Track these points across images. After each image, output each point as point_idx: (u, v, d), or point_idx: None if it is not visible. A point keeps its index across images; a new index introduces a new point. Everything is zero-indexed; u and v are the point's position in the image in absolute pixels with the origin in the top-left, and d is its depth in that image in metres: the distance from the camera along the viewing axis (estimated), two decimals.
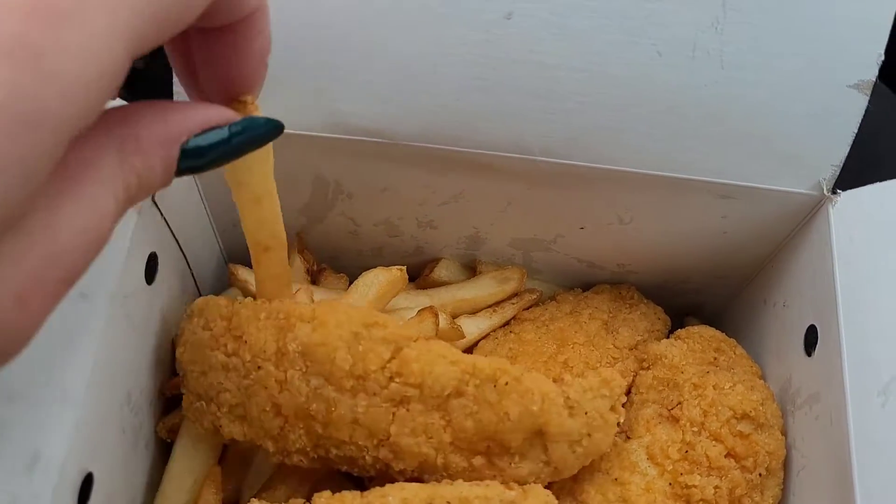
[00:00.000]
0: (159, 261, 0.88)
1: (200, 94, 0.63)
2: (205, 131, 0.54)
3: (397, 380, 0.80)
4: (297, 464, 0.84)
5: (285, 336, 0.82)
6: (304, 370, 0.81)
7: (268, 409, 0.81)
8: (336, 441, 0.81)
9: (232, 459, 0.97)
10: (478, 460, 0.81)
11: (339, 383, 0.80)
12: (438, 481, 0.82)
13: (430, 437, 0.80)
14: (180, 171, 0.53)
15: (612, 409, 0.84)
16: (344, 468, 0.84)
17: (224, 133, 0.55)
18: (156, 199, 0.85)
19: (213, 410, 0.84)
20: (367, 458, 0.81)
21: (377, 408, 0.80)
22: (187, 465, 0.92)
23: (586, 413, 0.82)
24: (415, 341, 0.83)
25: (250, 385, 0.81)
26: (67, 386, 0.72)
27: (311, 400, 0.80)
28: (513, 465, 0.82)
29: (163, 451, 0.96)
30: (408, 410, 0.80)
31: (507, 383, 0.81)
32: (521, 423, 0.80)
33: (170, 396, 0.97)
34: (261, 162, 0.70)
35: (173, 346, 0.97)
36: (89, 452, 0.75)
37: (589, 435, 0.82)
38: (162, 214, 0.88)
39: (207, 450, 0.92)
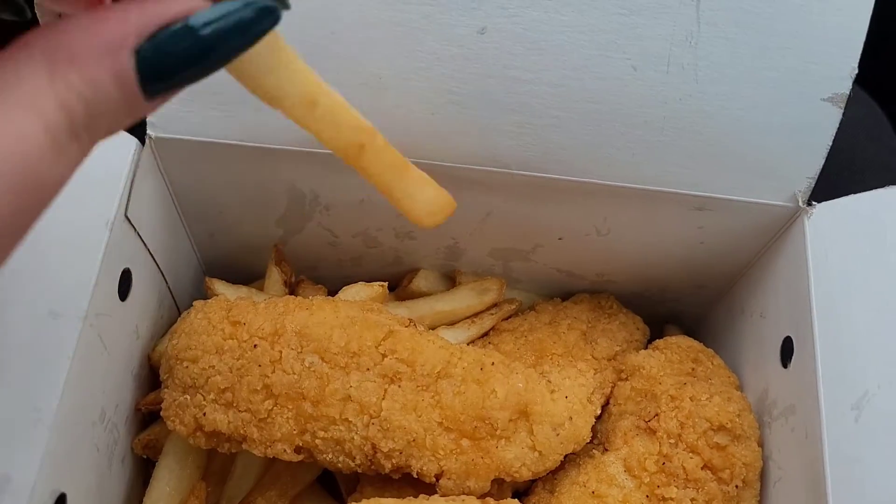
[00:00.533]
0: (133, 277, 0.88)
1: None
2: (163, 29, 0.40)
3: (390, 356, 0.85)
4: (279, 454, 0.85)
5: (283, 319, 0.86)
6: (299, 349, 0.85)
7: (258, 388, 0.83)
8: (325, 421, 0.83)
9: (211, 475, 0.96)
10: (465, 443, 0.84)
11: (334, 360, 0.84)
12: (424, 469, 0.84)
13: (420, 416, 0.83)
14: (150, 88, 0.41)
15: (589, 399, 0.89)
16: (328, 458, 0.84)
17: (188, 25, 0.41)
18: (128, 213, 0.84)
19: (197, 401, 0.85)
20: (355, 438, 0.83)
21: (370, 382, 0.84)
22: (172, 481, 0.91)
23: (567, 397, 0.87)
24: (406, 327, 0.88)
25: (244, 365, 0.84)
26: (38, 406, 0.72)
27: (303, 378, 0.83)
28: (499, 447, 0.85)
29: (139, 467, 0.96)
30: (399, 387, 0.84)
31: (493, 363, 0.87)
32: (507, 401, 0.84)
33: (146, 413, 0.96)
34: (276, 55, 0.55)
35: (149, 361, 0.96)
36: (62, 473, 0.74)
37: (570, 419, 0.86)
38: (135, 229, 0.87)
39: (192, 466, 0.93)
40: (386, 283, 0.98)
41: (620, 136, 0.85)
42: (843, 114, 0.84)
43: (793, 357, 0.89)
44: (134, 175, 0.85)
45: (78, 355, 0.76)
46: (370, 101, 0.84)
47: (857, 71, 0.81)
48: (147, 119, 0.87)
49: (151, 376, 0.97)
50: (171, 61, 0.41)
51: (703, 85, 0.82)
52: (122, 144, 0.85)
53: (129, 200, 0.84)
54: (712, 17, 0.80)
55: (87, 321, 0.77)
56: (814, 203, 0.90)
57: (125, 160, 0.85)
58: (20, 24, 0.41)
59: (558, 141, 0.85)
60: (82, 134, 0.39)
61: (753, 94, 0.83)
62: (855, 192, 0.88)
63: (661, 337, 1.08)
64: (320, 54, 0.82)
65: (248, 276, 1.12)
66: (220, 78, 0.84)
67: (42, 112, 0.37)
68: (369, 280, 1.02)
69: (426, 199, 0.71)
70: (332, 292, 1.03)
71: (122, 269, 0.85)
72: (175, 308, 1.05)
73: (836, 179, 0.91)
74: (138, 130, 0.87)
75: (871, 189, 0.86)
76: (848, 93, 0.82)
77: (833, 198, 0.89)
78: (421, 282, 1.10)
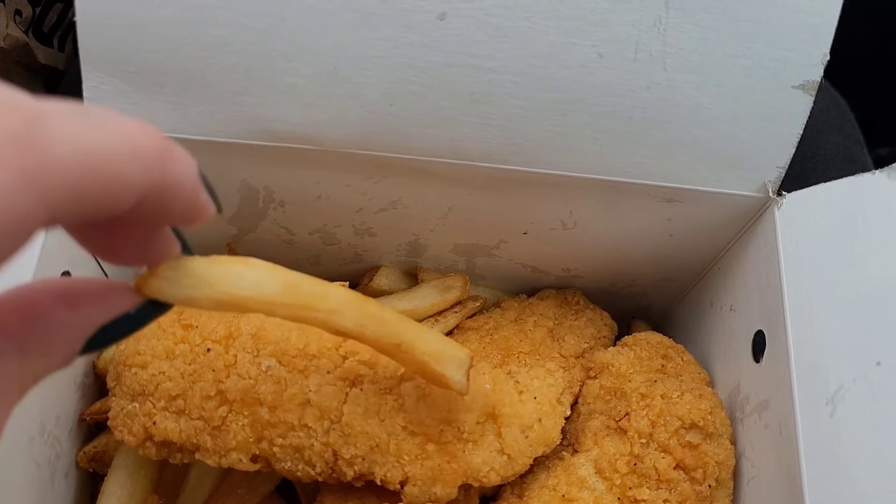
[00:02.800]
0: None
1: (118, 260, 0.52)
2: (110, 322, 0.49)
3: (351, 358, 0.81)
4: (235, 464, 0.80)
5: (238, 321, 0.82)
6: (255, 353, 0.81)
7: (212, 394, 0.79)
8: (283, 427, 0.79)
9: (163, 487, 0.91)
10: (431, 447, 0.80)
11: (292, 363, 0.80)
12: (388, 476, 0.80)
13: (383, 420, 0.80)
14: (79, 355, 0.49)
15: (558, 400, 0.86)
16: (287, 466, 0.80)
17: (126, 319, 0.49)
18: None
19: (147, 409, 0.81)
20: (315, 445, 0.79)
21: (330, 386, 0.80)
22: (122, 496, 0.87)
23: (535, 398, 0.84)
24: None
25: (196, 370, 0.80)
26: None
27: (259, 382, 0.79)
28: (466, 451, 0.81)
29: (85, 482, 0.91)
30: (361, 390, 0.80)
31: None
32: (473, 403, 0.81)
33: (91, 424, 0.91)
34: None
35: (95, 369, 0.91)
36: None
37: (539, 420, 0.83)
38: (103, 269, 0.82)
39: (143, 479, 0.88)
40: (346, 283, 0.94)
41: (587, 126, 0.82)
42: None
43: (765, 351, 0.87)
44: None
45: None
46: (324, 93, 0.80)
47: (828, 57, 0.79)
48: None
49: (97, 385, 0.92)
50: (108, 342, 0.49)
51: (672, 73, 0.79)
52: None
53: None
54: (681, 2, 0.77)
55: None
56: (784, 193, 0.88)
57: None
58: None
59: (523, 132, 0.82)
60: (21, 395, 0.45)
61: (723, 81, 0.80)
62: (819, 182, 0.86)
63: (628, 332, 1.05)
64: (269, 43, 0.77)
65: None
66: (165, 67, 0.80)
67: (7, 396, 0.43)
68: (329, 279, 0.96)
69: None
70: None
71: (61, 272, 0.80)
72: None
73: (799, 170, 0.89)
74: None
75: (834, 179, 0.84)
76: (819, 80, 0.80)
77: (797, 187, 0.87)
78: (382, 280, 1.06)
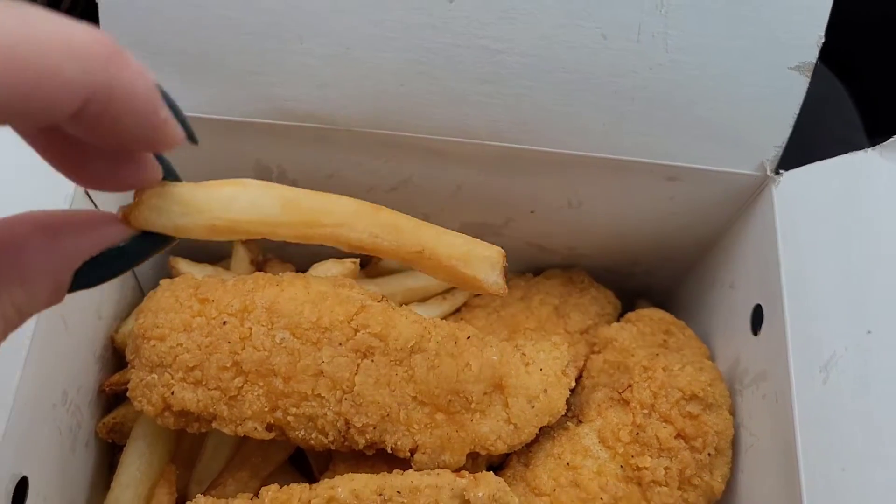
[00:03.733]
0: None
1: (85, 180, 0.50)
2: (101, 253, 0.47)
3: (363, 331, 0.83)
4: (250, 433, 0.83)
5: (252, 296, 0.84)
6: (269, 326, 0.83)
7: (228, 366, 0.82)
8: (297, 398, 0.81)
9: (180, 457, 0.94)
10: (440, 416, 0.83)
11: (305, 335, 0.82)
12: (398, 444, 0.83)
13: (393, 390, 0.82)
14: (74, 290, 0.48)
15: (563, 372, 0.88)
16: (300, 434, 0.83)
17: (118, 253, 0.48)
18: (89, 192, 0.81)
19: (165, 380, 0.83)
20: (328, 414, 0.82)
21: (342, 357, 0.82)
22: (141, 465, 0.89)
23: (541, 370, 0.86)
24: (378, 301, 0.86)
25: (212, 342, 0.82)
26: None
27: (274, 354, 0.81)
28: (474, 421, 0.84)
29: (104, 451, 0.93)
30: (372, 361, 0.83)
31: (468, 337, 0.85)
32: (481, 374, 0.83)
33: (110, 395, 0.94)
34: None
35: (113, 343, 0.94)
36: (22, 455, 0.72)
37: (545, 391, 0.85)
38: (96, 206, 0.84)
39: (161, 449, 0.91)
40: (357, 260, 0.97)
41: (591, 105, 0.85)
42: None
43: (763, 324, 0.90)
44: None
45: (38, 335, 0.73)
46: (338, 73, 0.83)
47: (823, 39, 0.82)
48: None
49: (115, 359, 0.95)
50: (101, 277, 0.48)
51: (674, 54, 0.82)
52: None
53: None
54: None
55: None
56: (781, 171, 0.90)
57: None
58: None
59: (529, 111, 0.85)
60: (7, 332, 0.45)
61: (722, 62, 0.83)
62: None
63: (632, 310, 1.08)
64: (283, 24, 0.80)
65: (213, 255, 1.09)
66: (182, 48, 0.82)
67: None
68: (338, 258, 1.00)
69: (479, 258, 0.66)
70: (301, 271, 1.01)
71: None
72: (139, 289, 1.02)
73: (798, 155, 0.92)
74: None
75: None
76: (815, 61, 0.82)
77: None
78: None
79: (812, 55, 0.83)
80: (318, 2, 0.78)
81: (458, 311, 1.06)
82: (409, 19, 0.79)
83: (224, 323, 0.85)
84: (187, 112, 0.85)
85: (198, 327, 0.85)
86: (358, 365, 0.84)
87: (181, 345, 0.84)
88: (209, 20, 0.80)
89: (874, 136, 1.53)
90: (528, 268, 1.14)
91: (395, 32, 0.80)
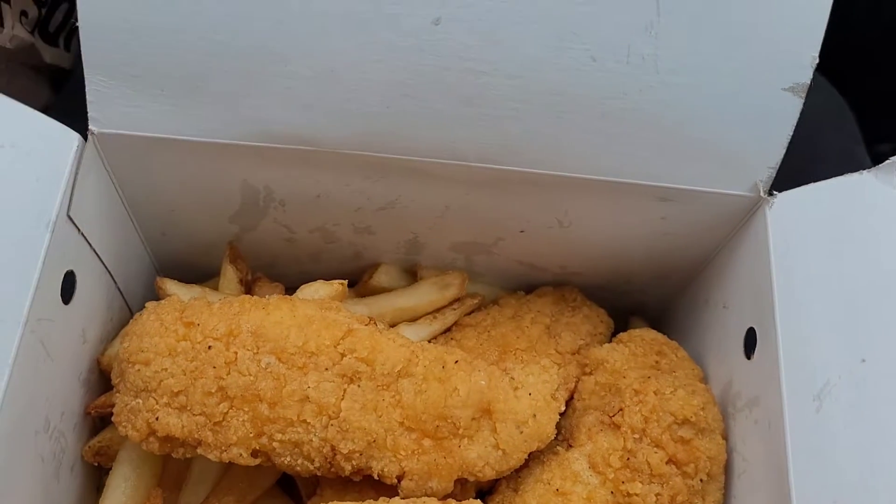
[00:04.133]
0: (77, 279, 0.84)
1: None
2: None
3: (349, 355, 0.82)
4: (235, 459, 0.82)
5: (238, 319, 0.84)
6: (255, 350, 0.82)
7: (213, 391, 0.81)
8: (282, 423, 0.81)
9: (166, 480, 0.93)
10: (427, 442, 0.82)
11: (291, 360, 0.82)
12: (385, 471, 0.82)
13: (380, 416, 0.81)
14: None
15: (553, 396, 0.87)
16: (286, 461, 0.82)
17: None
18: (70, 213, 0.81)
19: (150, 405, 0.83)
20: (313, 440, 0.81)
21: (328, 382, 0.82)
22: (127, 489, 0.89)
23: (530, 394, 0.85)
24: (365, 325, 0.86)
25: (197, 367, 0.82)
26: None
27: (259, 379, 0.81)
28: (462, 447, 0.83)
29: (90, 475, 0.93)
30: (359, 387, 0.82)
31: (456, 362, 0.85)
32: (469, 399, 0.83)
33: (96, 418, 0.93)
34: None
35: (99, 365, 0.93)
36: (2, 488, 0.71)
37: (534, 416, 0.84)
38: (79, 229, 0.83)
39: (147, 473, 0.90)
40: (345, 282, 0.96)
41: (580, 127, 0.83)
42: (805, 101, 0.83)
43: (756, 348, 0.88)
44: (77, 173, 0.81)
45: (18, 363, 0.72)
46: (323, 95, 0.82)
47: (817, 60, 0.80)
48: (88, 113, 0.83)
49: (102, 381, 0.94)
50: None
51: (664, 75, 0.81)
52: (62, 140, 0.81)
53: (71, 199, 0.81)
54: (672, 5, 0.78)
55: (27, 327, 0.74)
56: (775, 193, 0.89)
57: (67, 157, 0.81)
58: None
59: (517, 133, 0.83)
60: None
61: (714, 84, 0.82)
62: (817, 181, 0.87)
63: (626, 329, 1.07)
64: (268, 46, 0.79)
65: (203, 274, 1.08)
66: (166, 71, 0.81)
67: None
68: (329, 277, 0.99)
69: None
70: (291, 289, 1.00)
71: (65, 272, 0.82)
72: (127, 309, 1.01)
73: (798, 168, 0.91)
74: (79, 125, 0.83)
75: (832, 177, 0.85)
76: (809, 82, 0.81)
77: (795, 186, 0.88)
78: (382, 277, 1.08)
79: (806, 76, 0.82)
80: (303, 24, 0.77)
81: (448, 330, 1.05)
82: (395, 42, 0.78)
83: (209, 347, 0.84)
84: (172, 135, 0.85)
85: (182, 352, 0.84)
86: (344, 390, 0.83)
87: (166, 369, 0.83)
88: (194, 42, 0.79)
89: (876, 146, 1.51)
90: (519, 285, 1.13)
91: (380, 55, 0.79)
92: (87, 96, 0.82)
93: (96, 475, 0.94)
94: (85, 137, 0.83)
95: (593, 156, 0.86)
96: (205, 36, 0.77)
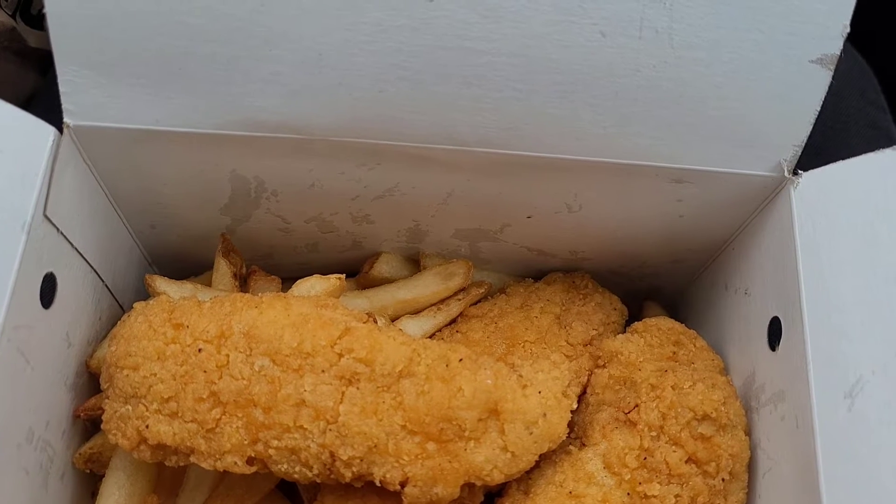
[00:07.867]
0: (58, 280, 0.80)
1: None
2: None
3: (347, 356, 0.78)
4: (230, 467, 0.79)
5: (230, 320, 0.80)
6: (247, 352, 0.79)
7: (204, 397, 0.78)
8: (278, 429, 0.77)
9: (162, 486, 0.90)
10: (431, 446, 0.78)
11: (286, 362, 0.78)
12: (387, 477, 0.78)
13: (381, 419, 0.77)
14: None
15: (564, 393, 0.82)
16: (283, 468, 0.79)
17: None
18: (47, 213, 0.76)
19: (140, 412, 0.79)
20: (311, 446, 0.77)
21: (326, 385, 0.77)
22: (121, 498, 0.86)
23: (540, 392, 0.80)
24: (364, 322, 0.82)
25: (188, 371, 0.78)
26: None
27: (253, 383, 0.77)
28: (468, 450, 0.78)
29: (82, 481, 0.89)
30: (358, 389, 0.78)
31: (460, 360, 0.80)
32: (475, 399, 0.78)
33: (87, 422, 0.89)
34: None
35: (88, 368, 0.89)
36: None
37: (544, 415, 0.79)
38: (58, 229, 0.79)
39: (142, 479, 0.87)
40: (343, 276, 0.91)
41: (589, 108, 0.77)
42: None
43: (781, 339, 0.83)
44: (52, 169, 0.76)
45: None
46: (310, 80, 0.76)
47: (848, 29, 0.74)
48: (63, 106, 0.77)
49: (92, 383, 0.90)
50: None
51: (680, 50, 0.74)
52: (36, 134, 0.76)
53: (47, 198, 0.76)
54: None
55: (3, 336, 0.69)
56: (800, 172, 0.83)
57: (41, 153, 0.76)
58: None
59: (520, 115, 0.78)
60: None
61: (734, 58, 0.75)
62: (840, 152, 0.81)
63: (640, 315, 1.02)
64: (249, 30, 0.73)
65: (198, 265, 1.04)
66: (141, 57, 0.76)
67: None
68: (328, 266, 0.95)
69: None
70: (290, 280, 0.96)
71: (44, 274, 0.77)
72: (117, 306, 0.97)
73: (820, 138, 0.84)
74: (54, 118, 0.78)
75: (856, 148, 0.79)
76: (839, 53, 0.75)
77: (817, 157, 0.82)
78: (383, 266, 1.03)
79: (836, 47, 0.75)
80: (284, 5, 0.71)
81: (453, 322, 1.00)
82: (386, 21, 0.72)
83: (199, 350, 0.80)
84: (152, 125, 0.80)
85: (172, 355, 0.80)
86: (342, 393, 0.79)
87: (155, 374, 0.80)
88: (168, 27, 0.73)
89: None
90: (527, 272, 1.08)
91: (371, 35, 0.73)
92: (60, 87, 0.76)
93: (90, 481, 0.91)
94: (60, 130, 0.78)
95: (603, 137, 0.80)
96: (180, 20, 0.72)
